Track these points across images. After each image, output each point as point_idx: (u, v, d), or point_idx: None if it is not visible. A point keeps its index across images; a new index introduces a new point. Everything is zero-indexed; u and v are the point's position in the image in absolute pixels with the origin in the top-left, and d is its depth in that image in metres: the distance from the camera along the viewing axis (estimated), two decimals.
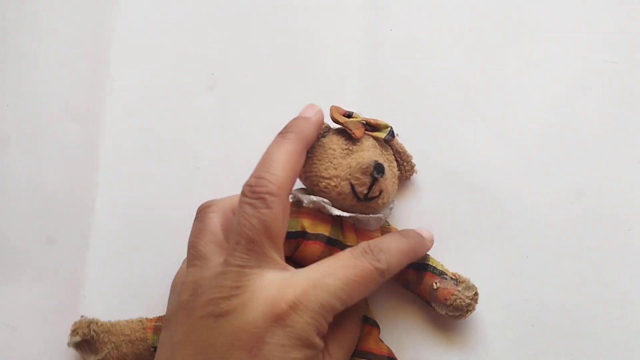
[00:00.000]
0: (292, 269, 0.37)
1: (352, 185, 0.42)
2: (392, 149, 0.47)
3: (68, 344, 0.45)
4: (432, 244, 0.43)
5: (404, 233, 0.42)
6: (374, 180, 0.41)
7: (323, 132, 0.45)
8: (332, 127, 0.45)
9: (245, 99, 0.52)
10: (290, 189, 0.39)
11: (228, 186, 0.49)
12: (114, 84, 0.53)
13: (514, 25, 0.53)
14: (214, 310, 0.34)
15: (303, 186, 0.45)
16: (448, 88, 0.52)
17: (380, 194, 0.42)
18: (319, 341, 0.34)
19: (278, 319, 0.33)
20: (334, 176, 0.42)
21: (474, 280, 0.45)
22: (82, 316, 0.45)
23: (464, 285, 0.44)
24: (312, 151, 0.44)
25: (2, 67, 0.54)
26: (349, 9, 0.54)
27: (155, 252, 0.50)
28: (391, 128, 0.45)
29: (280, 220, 0.36)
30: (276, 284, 0.34)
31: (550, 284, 0.47)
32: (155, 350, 0.44)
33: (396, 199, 0.47)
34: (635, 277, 0.47)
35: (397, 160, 0.47)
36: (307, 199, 0.43)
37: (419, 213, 0.49)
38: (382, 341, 0.45)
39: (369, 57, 0.53)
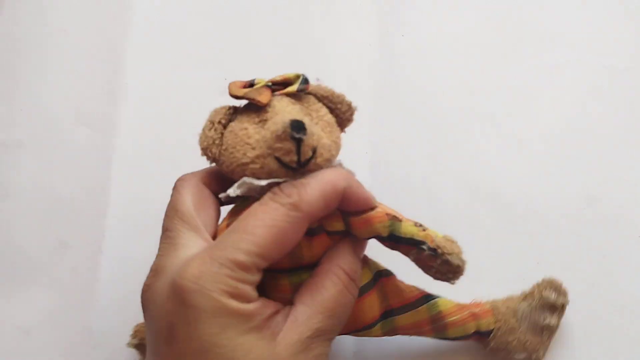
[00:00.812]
0: (210, 242, 0.35)
1: (277, 159, 0.36)
2: (316, 97, 0.40)
3: (127, 345, 0.45)
4: (373, 199, 0.37)
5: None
6: (299, 142, 0.35)
7: (229, 117, 0.39)
8: (238, 107, 0.40)
9: None
10: (204, 179, 0.39)
11: None
12: (127, 89, 0.54)
13: (526, 32, 0.53)
14: (143, 298, 0.35)
15: None
16: (460, 94, 0.52)
17: (314, 152, 0.36)
18: (237, 305, 0.31)
19: (181, 300, 0.31)
20: (255, 157, 0.36)
21: (485, 286, 0.45)
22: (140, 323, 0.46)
23: (443, 255, 0.37)
24: (224, 143, 0.38)
25: (15, 73, 0.54)
26: (361, 15, 0.54)
27: None
28: (303, 76, 0.39)
29: (188, 200, 0.36)
30: (181, 263, 0.32)
31: None
32: None
33: (345, 162, 0.40)
34: None
35: (328, 107, 0.40)
36: (233, 188, 0.37)
37: (430, 217, 0.48)
38: (404, 282, 0.42)
39: (380, 63, 0.53)
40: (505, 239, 0.48)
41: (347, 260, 0.36)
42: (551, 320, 0.44)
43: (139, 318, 0.46)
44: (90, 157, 0.52)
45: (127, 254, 0.50)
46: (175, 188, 0.38)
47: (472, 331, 0.44)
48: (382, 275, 0.42)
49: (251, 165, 0.36)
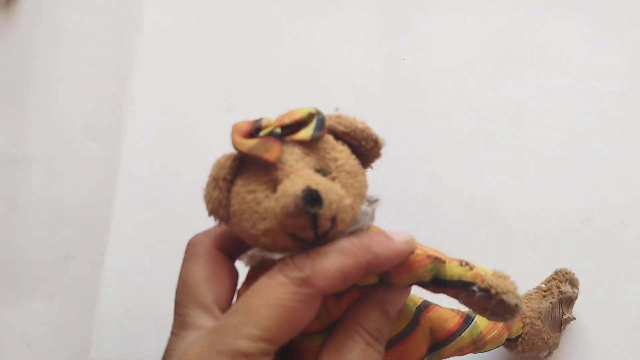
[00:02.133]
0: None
1: (292, 235, 0.30)
2: (335, 133, 0.34)
3: None
4: (408, 246, 0.32)
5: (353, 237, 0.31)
6: (314, 217, 0.30)
7: (234, 170, 0.33)
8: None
9: None
10: (218, 241, 0.34)
11: None
12: (134, 105, 0.56)
13: (526, 57, 0.55)
14: None
15: None
16: (461, 116, 0.54)
17: (333, 222, 0.31)
18: None
19: None
20: (266, 230, 0.31)
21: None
22: None
23: (497, 294, 0.32)
24: (232, 205, 0.32)
25: (26, 89, 0.56)
26: (365, 39, 0.57)
27: (170, 270, 0.51)
28: (318, 116, 0.32)
29: (199, 271, 0.32)
30: (183, 350, 0.29)
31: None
32: None
33: (379, 194, 0.35)
34: None
35: (351, 145, 0.34)
36: (244, 258, 0.32)
37: (430, 233, 0.50)
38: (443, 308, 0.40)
39: (384, 86, 0.55)
40: (502, 257, 0.49)
41: (370, 318, 0.32)
42: (569, 314, 0.45)
43: (139, 330, 0.47)
44: (97, 171, 0.54)
45: (128, 267, 0.51)
46: (185, 256, 0.34)
47: (504, 341, 0.45)
48: (422, 310, 0.39)
49: (262, 239, 0.31)
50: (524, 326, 0.45)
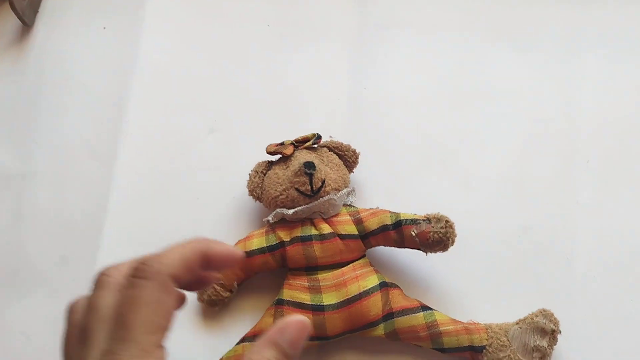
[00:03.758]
0: None
1: (297, 189, 0.51)
2: (329, 148, 0.55)
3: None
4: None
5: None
6: (310, 176, 0.50)
7: (267, 167, 0.54)
8: (273, 161, 0.54)
9: (242, 142, 0.60)
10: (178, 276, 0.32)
11: (225, 216, 0.57)
12: (130, 128, 0.61)
13: (473, 90, 0.60)
14: None
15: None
16: (416, 140, 0.59)
17: (323, 183, 0.51)
18: None
19: None
20: (282, 190, 0.51)
21: (435, 303, 0.52)
22: None
23: (434, 220, 0.50)
24: (264, 186, 0.53)
25: (36, 113, 0.62)
26: (334, 72, 0.62)
27: None
28: (317, 134, 0.54)
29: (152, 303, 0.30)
30: None
31: (500, 300, 0.53)
32: None
33: (355, 186, 0.55)
34: (577, 300, 0.53)
35: (338, 154, 0.55)
36: (270, 216, 0.52)
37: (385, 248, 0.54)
38: (408, 296, 0.51)
39: (348, 112, 0.60)
40: (452, 262, 0.54)
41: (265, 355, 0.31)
42: (541, 342, 0.48)
43: None
44: (93, 184, 0.59)
45: None
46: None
47: (466, 344, 0.49)
48: (388, 285, 0.51)
49: (280, 197, 0.51)
50: (489, 338, 0.49)
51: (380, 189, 0.57)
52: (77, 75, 0.63)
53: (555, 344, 0.49)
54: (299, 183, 0.51)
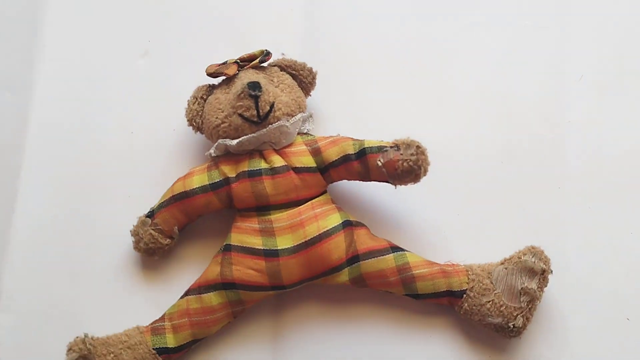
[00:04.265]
0: None
1: (240, 115, 0.45)
2: (280, 67, 0.48)
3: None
4: None
5: None
6: (256, 98, 0.44)
7: (208, 92, 0.47)
8: (215, 84, 0.48)
9: (180, 65, 0.54)
10: None
11: (163, 151, 0.52)
12: (46, 53, 0.54)
13: None
14: None
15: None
16: (383, 54, 0.53)
17: (271, 107, 0.45)
18: None
19: None
20: (224, 117, 0.45)
21: (407, 243, 0.47)
22: (76, 337, 0.45)
23: (403, 146, 0.44)
24: (204, 113, 0.47)
25: None
26: None
27: (81, 217, 0.51)
28: (266, 51, 0.48)
29: None
30: None
31: (482, 238, 0.49)
32: (156, 352, 0.45)
33: (312, 111, 0.49)
34: (570, 235, 0.49)
35: (292, 75, 0.48)
36: (212, 149, 0.46)
37: None
38: (374, 235, 0.47)
39: (303, 25, 0.54)
40: (425, 196, 0.49)
41: None
42: (530, 284, 0.43)
43: (51, 278, 0.47)
44: (7, 119, 0.53)
45: (41, 215, 0.51)
46: None
47: (444, 289, 0.45)
48: (353, 225, 0.46)
49: (222, 125, 0.45)
50: (469, 282, 0.45)
51: (341, 114, 0.52)
52: None
53: (545, 286, 0.44)
54: (243, 108, 0.44)
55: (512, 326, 0.43)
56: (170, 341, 0.45)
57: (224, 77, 0.47)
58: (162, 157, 0.51)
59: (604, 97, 0.52)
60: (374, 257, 0.45)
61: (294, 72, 0.48)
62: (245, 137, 0.45)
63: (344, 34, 0.54)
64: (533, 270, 0.44)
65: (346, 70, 0.53)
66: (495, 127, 0.51)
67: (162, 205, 0.47)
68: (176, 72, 0.54)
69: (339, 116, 0.52)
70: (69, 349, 0.45)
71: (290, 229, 0.45)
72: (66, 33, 0.55)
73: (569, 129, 0.51)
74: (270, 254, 0.44)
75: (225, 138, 0.46)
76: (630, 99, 0.52)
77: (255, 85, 0.44)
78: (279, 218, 0.45)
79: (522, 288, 0.43)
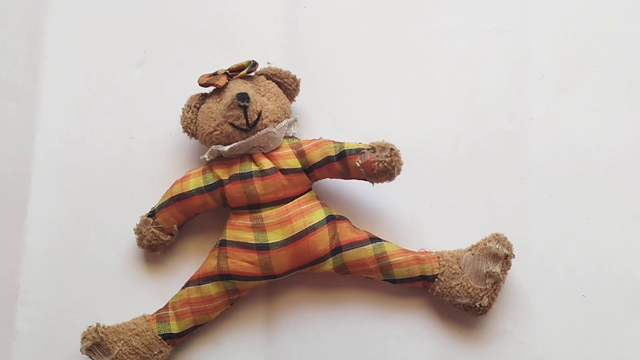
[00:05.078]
0: None
1: (231, 124, 0.47)
2: (266, 76, 0.51)
3: (80, 351, 0.49)
4: None
5: None
6: (245, 108, 0.47)
7: (201, 101, 0.50)
8: (207, 93, 0.51)
9: (175, 73, 0.56)
10: None
11: (162, 155, 0.54)
12: (48, 63, 0.56)
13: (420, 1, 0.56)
14: None
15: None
16: (360, 58, 0.55)
17: (259, 115, 0.48)
18: None
19: None
20: (216, 126, 0.48)
21: (384, 233, 0.50)
22: (89, 326, 0.49)
23: (379, 149, 0.47)
24: (198, 121, 0.50)
25: None
26: None
27: (91, 217, 0.54)
28: (253, 61, 0.50)
29: None
30: None
31: (452, 227, 0.52)
32: (162, 338, 0.49)
33: (297, 115, 0.52)
34: (532, 221, 0.52)
35: (277, 82, 0.51)
36: (206, 154, 0.49)
37: None
38: (356, 228, 0.50)
39: (287, 34, 0.56)
40: (400, 191, 0.52)
41: None
42: (494, 268, 0.47)
43: (65, 274, 0.51)
44: (15, 129, 0.55)
45: (51, 216, 0.54)
46: None
47: (418, 274, 0.48)
48: (336, 219, 0.50)
49: (214, 133, 0.48)
50: (440, 267, 0.48)
51: (324, 117, 0.54)
52: None
53: (509, 269, 0.48)
54: (233, 117, 0.47)
55: (478, 305, 0.47)
56: (174, 327, 0.49)
57: (215, 87, 0.50)
58: (161, 160, 0.54)
59: (563, 94, 0.53)
60: (355, 248, 0.48)
61: (279, 80, 0.51)
62: (236, 143, 0.48)
63: (325, 40, 0.56)
64: (497, 255, 0.47)
65: (328, 75, 0.55)
66: (464, 124, 0.53)
67: (162, 206, 0.50)
68: (170, 80, 0.55)
69: (322, 119, 0.54)
70: (83, 337, 0.48)
71: (279, 224, 0.48)
72: (66, 46, 0.56)
73: (532, 125, 0.53)
74: (262, 248, 0.48)
75: (217, 144, 0.49)
76: (587, 97, 0.53)
77: (243, 97, 0.47)
78: (269, 215, 0.48)
79: (487, 272, 0.47)
